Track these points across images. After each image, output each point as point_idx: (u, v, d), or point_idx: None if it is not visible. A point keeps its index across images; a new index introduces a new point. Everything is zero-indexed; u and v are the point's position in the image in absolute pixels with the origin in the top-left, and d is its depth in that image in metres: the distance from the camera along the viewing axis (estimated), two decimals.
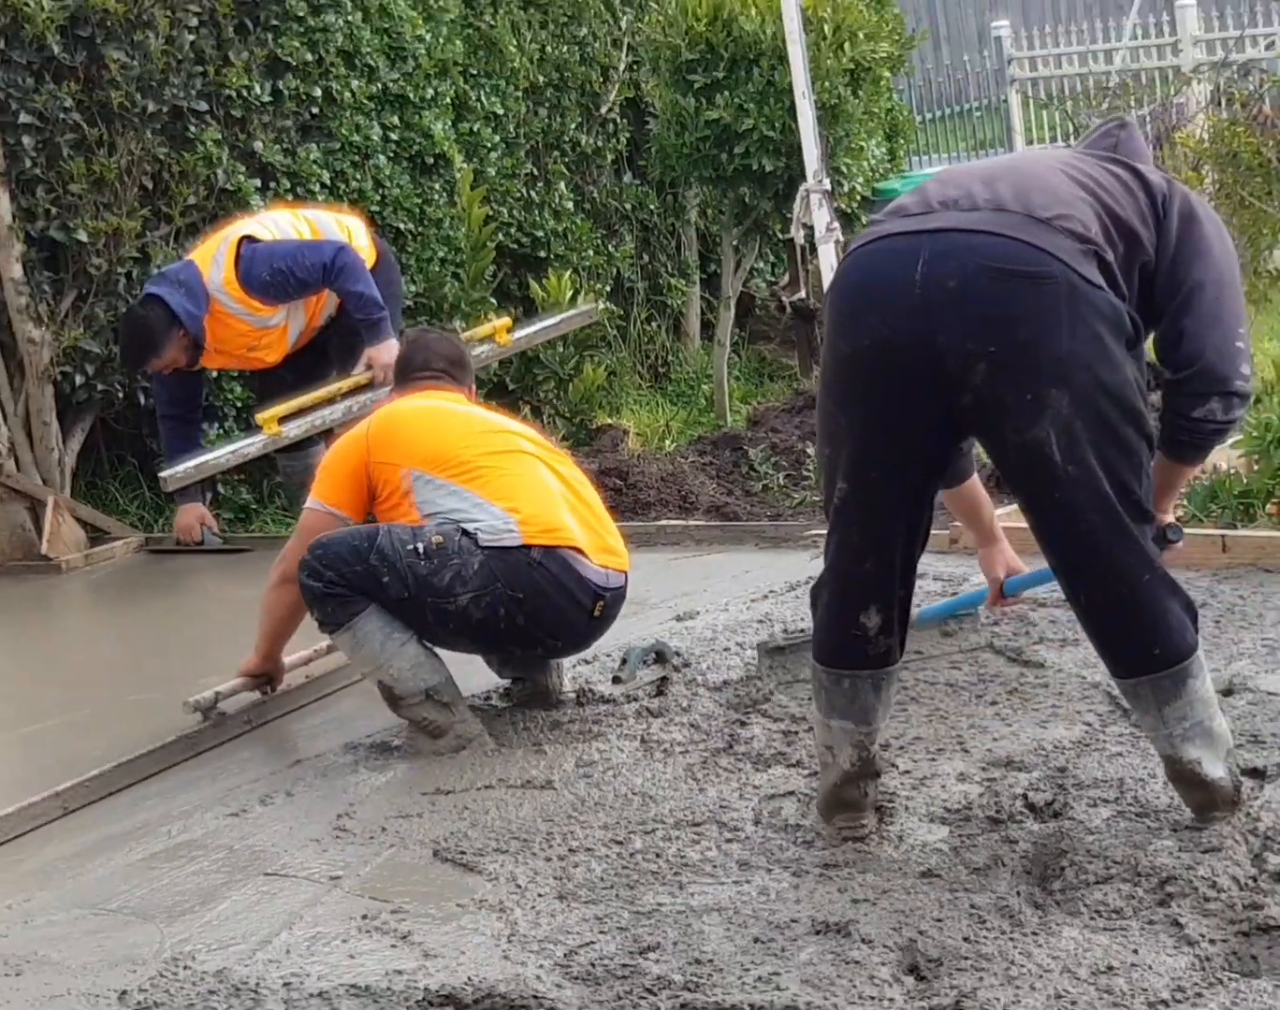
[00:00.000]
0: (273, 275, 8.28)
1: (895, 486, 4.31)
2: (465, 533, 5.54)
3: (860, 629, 4.38)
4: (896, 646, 4.45)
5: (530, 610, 5.55)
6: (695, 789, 4.99)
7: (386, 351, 8.23)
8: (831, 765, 4.50)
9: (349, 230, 8.67)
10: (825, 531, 4.47)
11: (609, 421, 10.90)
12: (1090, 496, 4.15)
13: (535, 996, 3.78)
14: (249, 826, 5.16)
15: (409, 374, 6.12)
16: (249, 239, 8.37)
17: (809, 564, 6.98)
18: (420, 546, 5.52)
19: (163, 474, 8.45)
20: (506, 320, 9.35)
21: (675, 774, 5.12)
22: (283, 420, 8.38)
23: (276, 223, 8.58)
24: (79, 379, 9.41)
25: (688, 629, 6.53)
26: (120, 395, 9.50)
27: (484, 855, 4.68)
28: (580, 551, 5.61)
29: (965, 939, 3.86)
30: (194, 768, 5.75)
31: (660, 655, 6.05)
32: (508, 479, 5.67)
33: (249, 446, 8.58)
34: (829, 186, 9.36)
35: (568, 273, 11.08)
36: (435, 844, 4.80)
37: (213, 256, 8.38)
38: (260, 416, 8.43)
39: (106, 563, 9.09)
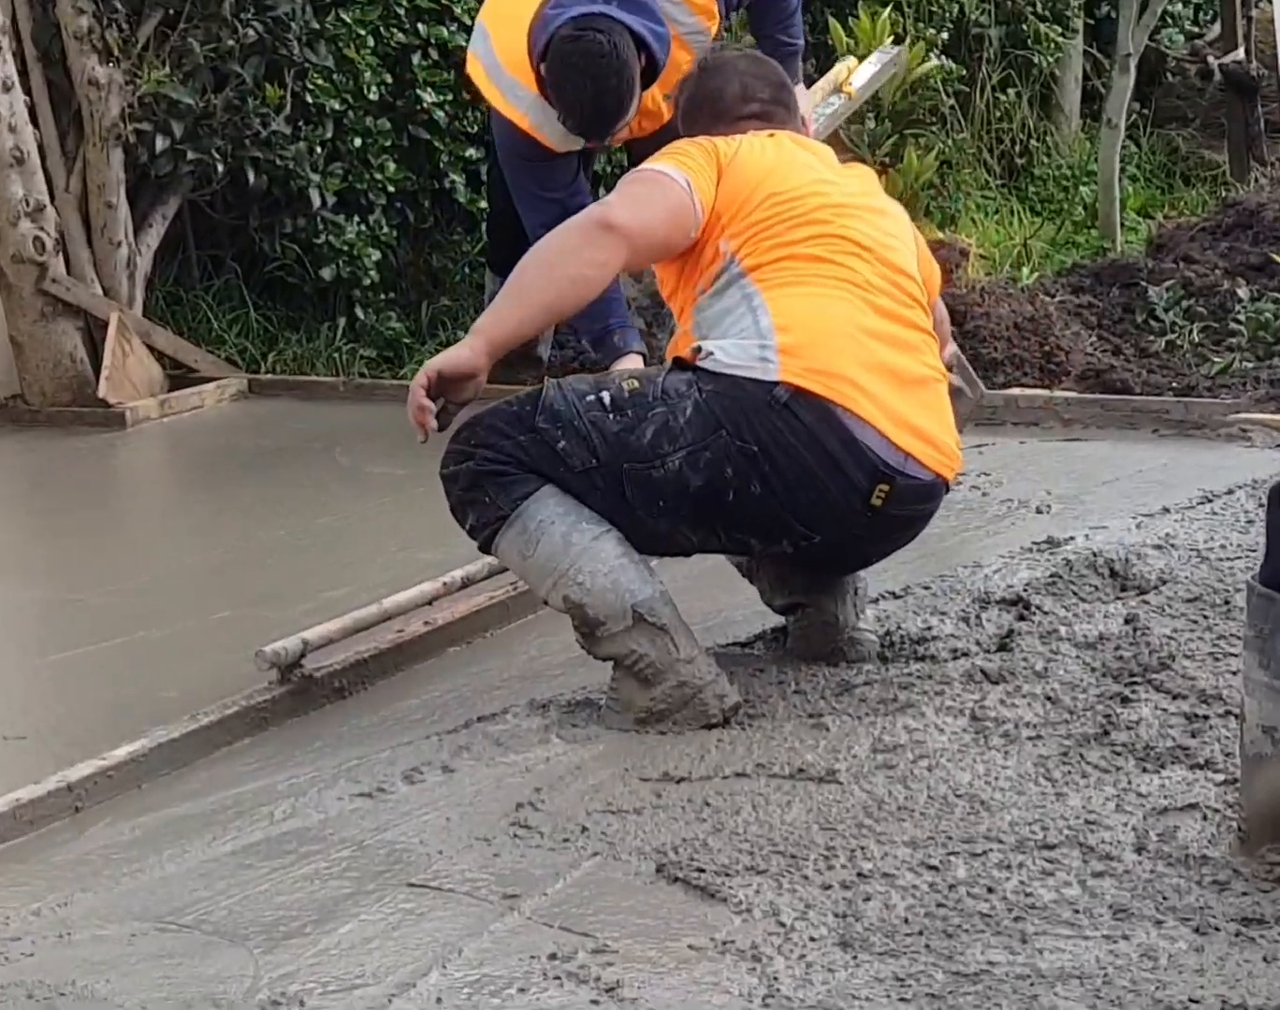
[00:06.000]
0: None
1: None
2: (679, 367, 5.57)
3: None
4: None
5: (769, 471, 5.46)
6: (1049, 794, 4.98)
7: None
8: (1270, 757, 4.42)
9: None
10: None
11: (940, 236, 10.83)
12: None
13: None
14: (388, 814, 5.22)
15: (726, 113, 6.02)
16: None
17: (1240, 465, 6.89)
18: (605, 396, 5.54)
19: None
20: (852, 62, 9.50)
21: (1021, 770, 5.11)
22: None
23: None
24: (160, 143, 9.46)
25: (1049, 552, 6.49)
26: (220, 168, 9.55)
27: (731, 875, 4.68)
28: (860, 417, 5.49)
29: None
30: (308, 722, 5.86)
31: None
32: (803, 294, 5.58)
33: None
34: None
35: (887, 10, 10.99)
36: (660, 855, 4.82)
37: None
38: None
39: (192, 413, 9.27)
